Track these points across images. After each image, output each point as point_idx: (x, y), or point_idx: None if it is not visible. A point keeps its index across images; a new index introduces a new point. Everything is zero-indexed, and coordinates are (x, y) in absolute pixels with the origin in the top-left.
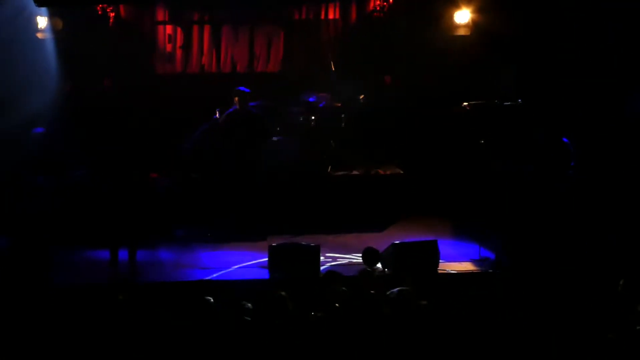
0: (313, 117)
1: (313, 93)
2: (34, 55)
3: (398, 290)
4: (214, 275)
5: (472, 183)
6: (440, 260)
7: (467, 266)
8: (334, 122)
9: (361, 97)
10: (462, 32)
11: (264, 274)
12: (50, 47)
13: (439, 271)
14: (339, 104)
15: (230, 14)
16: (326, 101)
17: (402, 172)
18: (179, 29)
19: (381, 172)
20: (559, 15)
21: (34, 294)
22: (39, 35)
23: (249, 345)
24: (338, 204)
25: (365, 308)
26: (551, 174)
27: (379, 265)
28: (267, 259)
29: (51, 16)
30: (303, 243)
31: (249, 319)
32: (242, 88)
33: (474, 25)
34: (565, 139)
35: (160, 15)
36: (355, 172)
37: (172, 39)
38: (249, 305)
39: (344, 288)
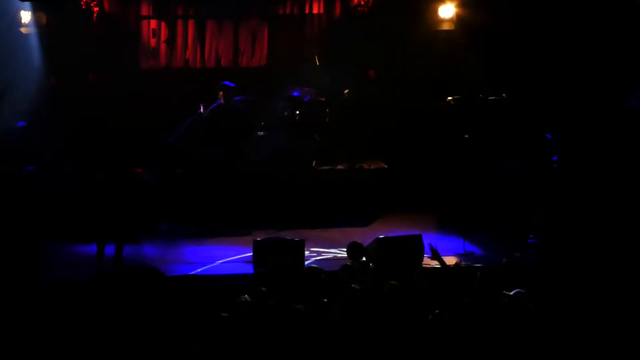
0: (297, 112)
1: (297, 87)
2: (18, 49)
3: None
4: (198, 270)
5: (456, 177)
6: (424, 255)
7: (452, 260)
8: (319, 116)
9: (346, 91)
10: (446, 26)
11: (249, 269)
12: (34, 42)
13: (424, 266)
14: (324, 99)
15: (214, 8)
16: (311, 96)
17: (386, 166)
18: (163, 24)
19: (365, 166)
20: (544, 8)
21: (21, 290)
22: (23, 30)
23: (234, 339)
24: (323, 198)
25: (347, 302)
26: (535, 169)
27: (363, 259)
28: (251, 253)
29: (35, 11)
30: (287, 238)
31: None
32: (226, 82)
33: (458, 20)
34: (548, 135)
35: (145, 9)
36: (339, 167)
37: (156, 33)
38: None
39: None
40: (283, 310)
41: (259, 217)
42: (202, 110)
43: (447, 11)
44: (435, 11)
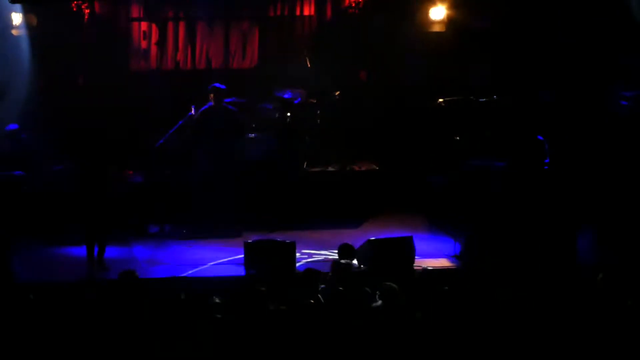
0: (288, 114)
1: (288, 89)
2: (8, 52)
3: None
4: (189, 272)
5: (447, 179)
6: (415, 257)
7: (442, 262)
8: (310, 118)
9: (337, 93)
10: (437, 28)
11: (240, 271)
12: (24, 44)
13: (415, 267)
14: (315, 100)
15: (205, 10)
16: (301, 97)
17: (377, 168)
18: (153, 26)
19: (356, 168)
20: (535, 10)
21: None
22: (14, 32)
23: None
24: (314, 200)
25: (339, 303)
26: (526, 171)
27: (354, 261)
28: (242, 255)
29: (25, 13)
30: (278, 239)
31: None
32: (217, 84)
33: (449, 22)
34: (540, 137)
35: (135, 11)
36: (330, 168)
37: (147, 35)
38: (218, 300)
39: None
40: (273, 312)
41: (250, 218)
42: (192, 112)
43: (438, 13)
44: (426, 13)
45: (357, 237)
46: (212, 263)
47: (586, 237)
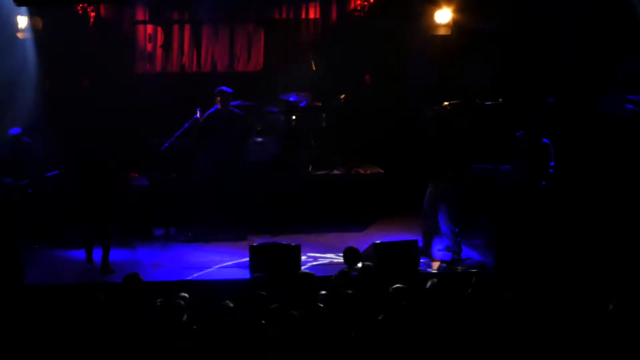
0: (294, 117)
1: (293, 92)
2: (14, 55)
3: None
4: (195, 275)
5: (452, 182)
6: (421, 260)
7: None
8: (315, 121)
9: (342, 96)
10: (442, 31)
11: (245, 274)
12: (30, 47)
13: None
14: (320, 104)
15: (210, 13)
16: (307, 101)
17: (382, 171)
18: (159, 29)
19: (361, 171)
20: (540, 14)
21: (5, 294)
22: (19, 35)
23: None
24: (319, 203)
25: (343, 308)
26: (531, 174)
27: (359, 265)
28: (248, 258)
29: (31, 16)
30: (284, 243)
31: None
32: (224, 88)
33: (455, 25)
34: (545, 140)
35: (141, 14)
36: (336, 172)
37: (152, 38)
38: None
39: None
40: (281, 315)
41: (256, 221)
42: (198, 115)
43: (443, 16)
44: (432, 16)
45: (362, 240)
46: (217, 266)
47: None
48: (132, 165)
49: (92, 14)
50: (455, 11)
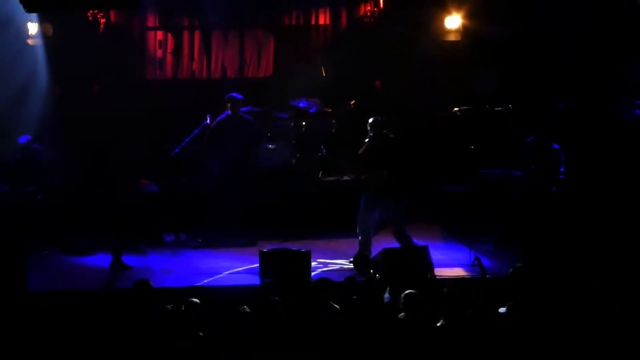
0: (304, 123)
1: (303, 98)
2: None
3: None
4: (205, 280)
5: (462, 188)
6: (431, 266)
7: (458, 272)
8: (325, 127)
9: (352, 102)
10: (452, 37)
11: (255, 280)
12: (40, 53)
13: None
14: (330, 109)
15: (220, 19)
16: (317, 106)
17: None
18: (169, 35)
19: None
20: (551, 18)
21: (10, 301)
22: (30, 41)
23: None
24: (329, 209)
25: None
26: (541, 180)
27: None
28: (258, 264)
29: (41, 22)
30: (294, 248)
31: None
32: (235, 94)
33: (465, 31)
34: (555, 145)
35: (151, 21)
36: (345, 177)
37: (162, 44)
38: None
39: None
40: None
41: (265, 227)
42: (208, 121)
43: (453, 22)
44: (442, 22)
45: (373, 246)
46: (227, 272)
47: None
48: (141, 171)
49: (102, 20)
50: (465, 17)
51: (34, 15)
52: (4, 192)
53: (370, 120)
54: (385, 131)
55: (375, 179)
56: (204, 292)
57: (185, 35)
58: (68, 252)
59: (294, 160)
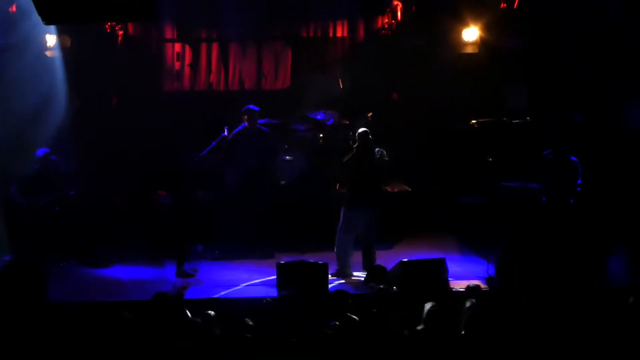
0: (321, 135)
1: (321, 110)
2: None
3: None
4: (222, 292)
5: (480, 200)
6: (448, 279)
7: (475, 284)
8: (342, 139)
9: (369, 114)
10: (470, 49)
11: (273, 292)
12: (58, 65)
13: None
14: (347, 121)
15: (238, 31)
16: (334, 118)
17: (409, 189)
18: (187, 47)
19: (389, 189)
20: (567, 32)
21: (30, 311)
22: (48, 53)
23: None
24: None
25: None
26: (559, 192)
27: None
28: (275, 276)
29: (60, 34)
30: (311, 260)
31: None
32: (252, 106)
33: (482, 43)
34: (573, 157)
35: (169, 33)
36: None
37: (180, 56)
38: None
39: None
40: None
41: (283, 239)
42: (226, 133)
43: (470, 34)
44: (459, 34)
45: (389, 258)
46: (245, 284)
47: (618, 259)
48: (159, 183)
49: (120, 33)
50: (483, 29)
51: (52, 27)
52: (22, 203)
53: (360, 130)
54: (369, 143)
55: (355, 188)
56: (222, 304)
57: (203, 47)
58: (86, 264)
59: (311, 172)
